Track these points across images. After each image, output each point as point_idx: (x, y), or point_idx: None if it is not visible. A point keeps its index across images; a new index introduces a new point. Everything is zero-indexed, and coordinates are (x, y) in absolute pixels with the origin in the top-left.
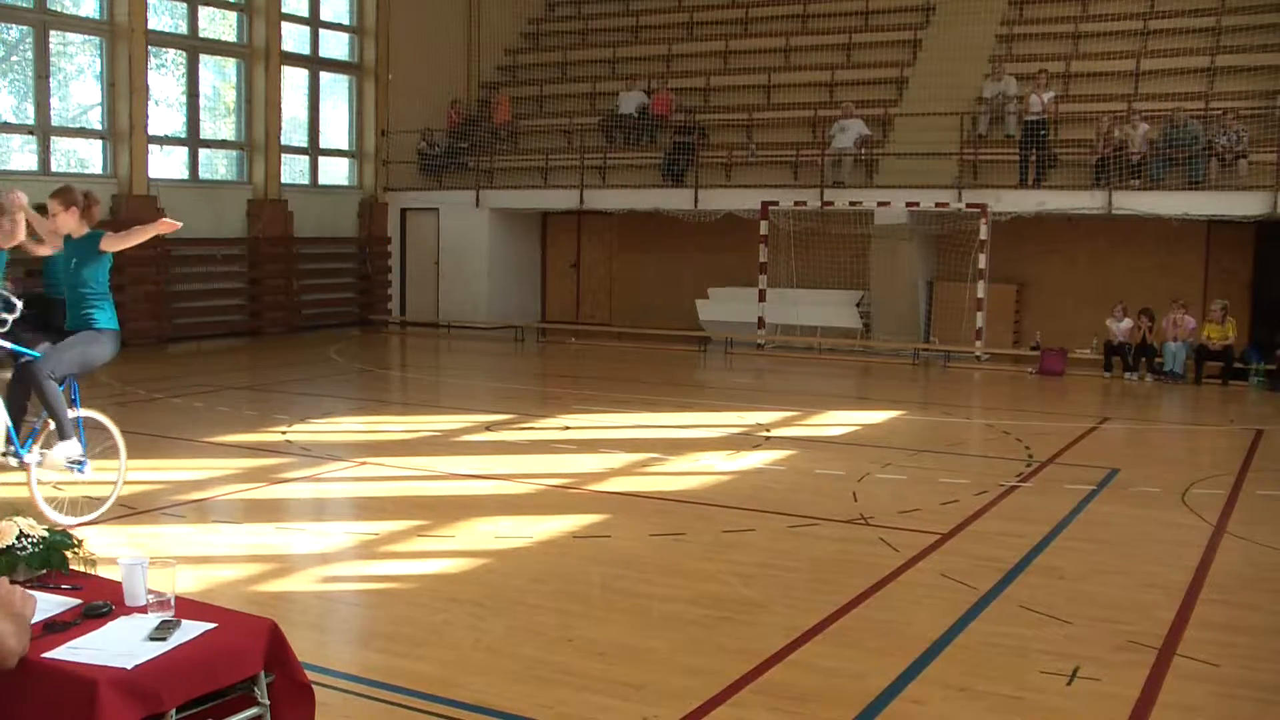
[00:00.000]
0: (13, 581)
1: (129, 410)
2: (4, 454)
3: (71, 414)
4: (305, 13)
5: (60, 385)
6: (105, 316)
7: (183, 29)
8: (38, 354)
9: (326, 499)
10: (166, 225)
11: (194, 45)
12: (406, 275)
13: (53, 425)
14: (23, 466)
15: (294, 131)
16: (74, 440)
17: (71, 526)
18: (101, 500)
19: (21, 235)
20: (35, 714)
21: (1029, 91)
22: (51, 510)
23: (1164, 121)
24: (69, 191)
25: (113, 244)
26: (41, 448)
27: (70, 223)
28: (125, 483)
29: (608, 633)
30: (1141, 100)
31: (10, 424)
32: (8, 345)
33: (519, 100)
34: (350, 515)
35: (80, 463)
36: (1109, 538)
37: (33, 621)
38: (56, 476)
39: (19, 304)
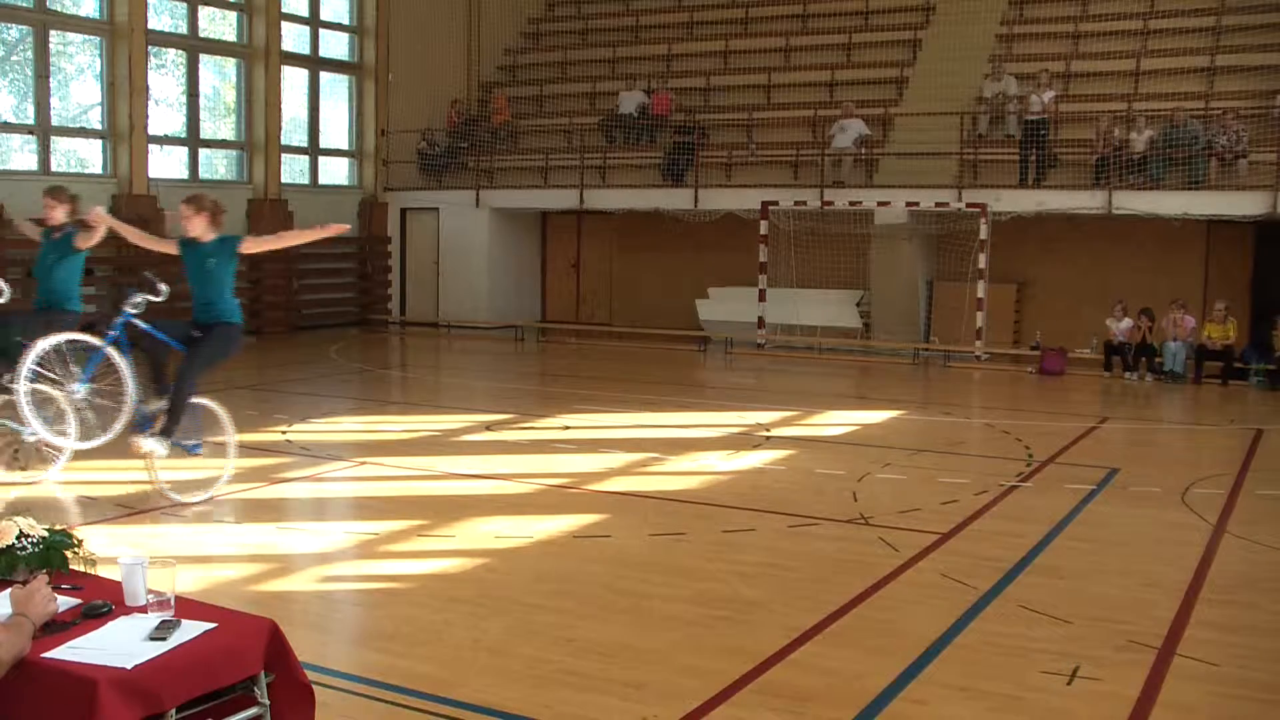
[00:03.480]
0: (12, 583)
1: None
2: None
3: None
4: (305, 12)
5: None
6: (233, 311)
7: (183, 29)
8: (176, 343)
9: (326, 499)
10: (335, 229)
11: (194, 45)
12: (406, 275)
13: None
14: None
15: (294, 131)
16: (166, 439)
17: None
18: (213, 481)
19: (96, 240)
20: (35, 714)
21: (1029, 91)
22: (165, 485)
23: (1164, 121)
24: (199, 199)
25: (252, 246)
26: (162, 433)
27: (199, 227)
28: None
29: (608, 633)
30: (1141, 100)
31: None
32: (146, 328)
33: (519, 100)
34: (350, 515)
35: (149, 454)
36: (1109, 538)
37: None
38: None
39: (165, 289)
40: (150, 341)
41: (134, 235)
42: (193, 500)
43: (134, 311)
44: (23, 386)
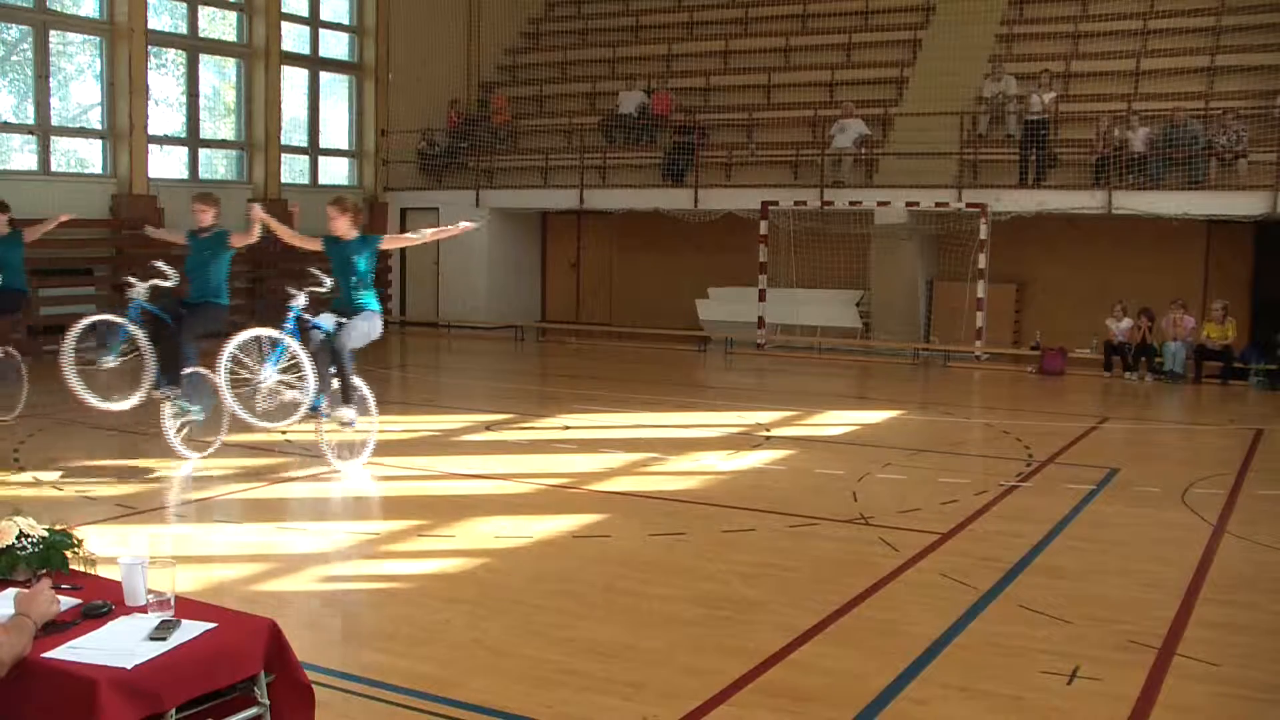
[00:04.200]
0: (12, 582)
1: (129, 410)
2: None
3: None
4: (305, 12)
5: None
6: (373, 300)
7: (183, 29)
8: (329, 328)
9: (326, 499)
10: (466, 226)
11: (194, 45)
12: (406, 275)
13: (336, 386)
14: (316, 417)
15: (294, 131)
16: (353, 405)
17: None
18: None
19: (252, 239)
20: (35, 714)
21: (1029, 91)
22: (332, 454)
23: (1164, 121)
24: (343, 201)
25: (392, 243)
26: (329, 406)
27: (343, 226)
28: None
29: (608, 633)
30: (1141, 100)
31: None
32: (311, 319)
33: (519, 100)
34: (350, 515)
35: (351, 422)
36: (1109, 538)
37: None
38: (331, 427)
39: (329, 282)
40: (310, 330)
41: (286, 234)
42: (348, 466)
43: (301, 306)
44: (224, 373)
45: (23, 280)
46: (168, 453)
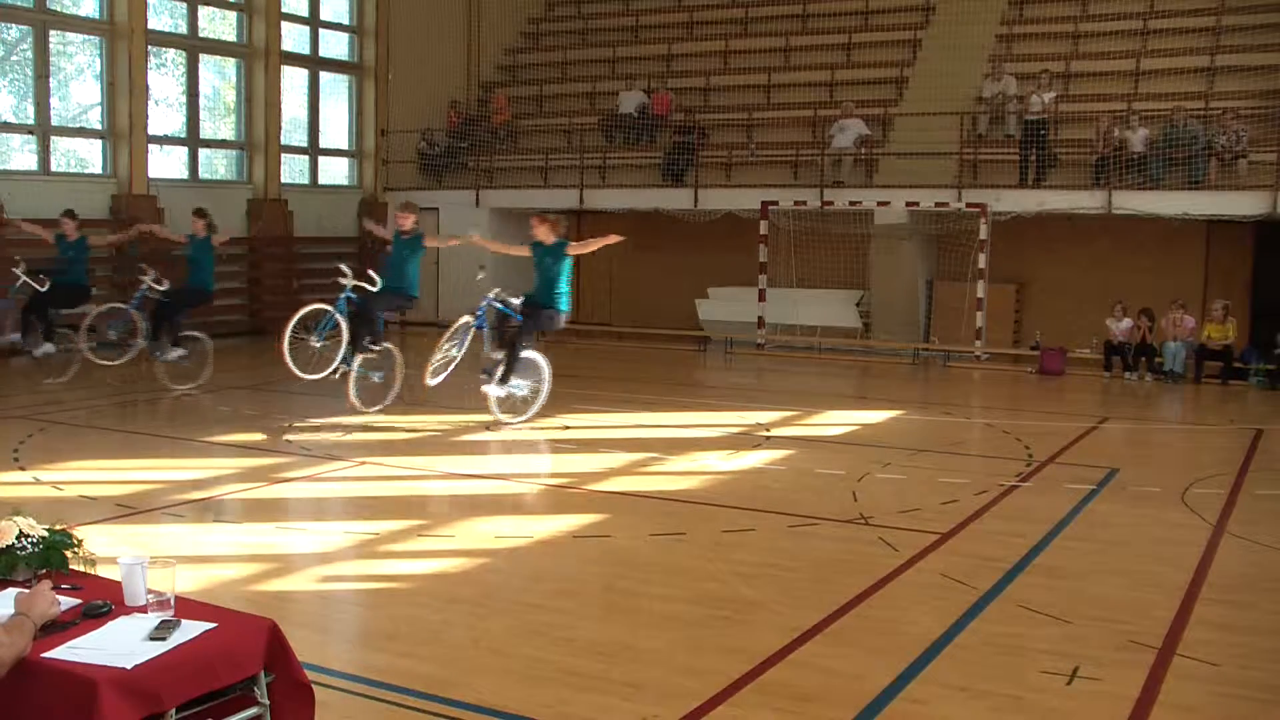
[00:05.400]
0: (12, 582)
1: (130, 410)
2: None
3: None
4: (305, 12)
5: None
6: (564, 300)
7: (182, 29)
8: (519, 317)
9: (326, 499)
10: (615, 238)
11: (194, 45)
12: None
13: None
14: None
15: (294, 131)
16: (519, 381)
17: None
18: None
19: (449, 245)
20: (35, 714)
21: (1029, 91)
22: (500, 413)
23: (1164, 121)
24: (544, 216)
25: (573, 250)
26: (499, 381)
27: (544, 233)
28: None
29: (608, 633)
30: (1141, 100)
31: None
32: (503, 309)
33: (519, 100)
34: (350, 515)
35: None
36: (1109, 538)
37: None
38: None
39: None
40: (502, 320)
41: (499, 247)
42: (513, 423)
43: (496, 299)
44: (441, 352)
45: (211, 280)
46: (169, 453)
